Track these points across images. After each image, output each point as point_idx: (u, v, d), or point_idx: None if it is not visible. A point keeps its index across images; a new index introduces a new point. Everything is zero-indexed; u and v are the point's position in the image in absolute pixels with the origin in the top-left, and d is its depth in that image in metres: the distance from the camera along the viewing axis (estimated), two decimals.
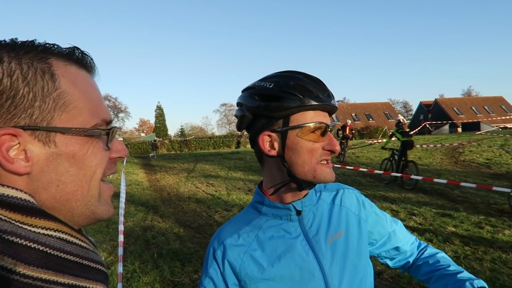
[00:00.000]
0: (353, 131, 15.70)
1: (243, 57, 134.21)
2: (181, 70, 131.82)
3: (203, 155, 20.44)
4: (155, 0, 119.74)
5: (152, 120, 71.68)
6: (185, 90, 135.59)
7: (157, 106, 64.68)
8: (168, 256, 5.10)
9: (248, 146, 30.88)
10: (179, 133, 68.56)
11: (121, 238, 3.83)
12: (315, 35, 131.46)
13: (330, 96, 0.94)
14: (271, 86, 0.93)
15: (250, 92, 0.97)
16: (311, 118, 0.92)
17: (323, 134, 0.93)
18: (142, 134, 69.20)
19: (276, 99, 0.92)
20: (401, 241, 1.16)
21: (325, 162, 0.94)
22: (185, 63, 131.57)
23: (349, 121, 16.37)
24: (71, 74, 0.57)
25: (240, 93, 1.01)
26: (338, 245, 1.00)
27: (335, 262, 0.98)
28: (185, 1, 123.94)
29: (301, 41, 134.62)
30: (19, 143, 0.51)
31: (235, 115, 1.03)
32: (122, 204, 5.33)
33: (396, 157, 9.82)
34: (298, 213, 0.99)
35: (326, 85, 0.96)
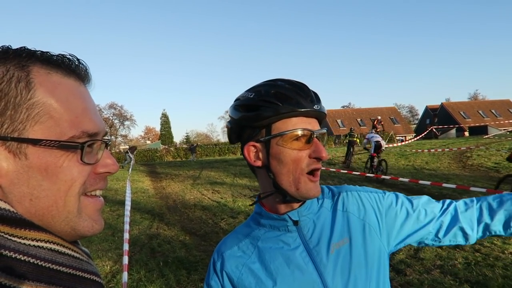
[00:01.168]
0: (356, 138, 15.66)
1: (248, 63, 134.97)
2: (186, 78, 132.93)
3: (209, 162, 20.43)
4: (161, 8, 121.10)
5: (158, 128, 72.20)
6: (190, 98, 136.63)
7: (163, 114, 65.20)
8: (174, 265, 5.06)
9: None
10: (185, 140, 68.78)
11: (126, 247, 3.80)
12: (321, 41, 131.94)
13: (313, 101, 0.90)
14: (251, 96, 0.93)
15: (235, 104, 0.97)
16: (293, 125, 0.89)
17: (308, 141, 0.89)
18: (148, 142, 69.53)
19: (255, 109, 0.91)
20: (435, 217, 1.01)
21: (312, 176, 0.90)
22: (190, 71, 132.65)
23: (352, 128, 16.54)
24: (51, 82, 0.54)
25: None
26: (341, 254, 0.94)
27: (338, 272, 0.92)
28: (190, 9, 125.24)
29: (307, 47, 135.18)
30: None
31: (226, 127, 1.02)
32: (127, 212, 5.31)
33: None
34: (295, 223, 0.95)
35: (311, 90, 0.93)
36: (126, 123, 61.96)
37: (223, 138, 75.55)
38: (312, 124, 0.91)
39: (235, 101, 0.99)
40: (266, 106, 0.89)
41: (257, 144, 0.93)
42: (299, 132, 0.88)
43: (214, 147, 35.62)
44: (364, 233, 0.98)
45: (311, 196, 0.90)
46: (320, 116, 0.93)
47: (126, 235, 3.99)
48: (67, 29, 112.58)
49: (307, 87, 0.93)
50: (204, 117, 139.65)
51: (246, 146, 0.95)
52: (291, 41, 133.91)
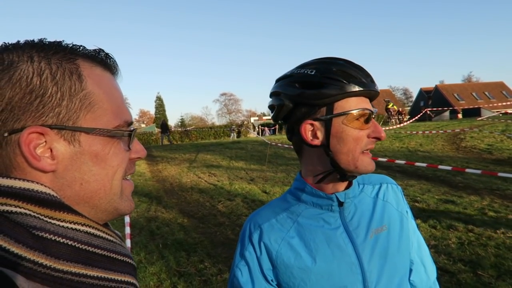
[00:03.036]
0: None
1: (242, 46, 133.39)
2: (180, 60, 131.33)
3: (204, 145, 20.42)
4: None
5: (152, 111, 71.81)
6: (184, 80, 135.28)
7: (157, 97, 64.77)
8: (173, 247, 5.13)
9: (249, 135, 30.87)
10: (179, 123, 68.44)
11: (127, 230, 3.85)
12: (313, 23, 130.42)
13: (373, 81, 0.91)
14: (312, 73, 0.90)
15: (289, 80, 0.94)
16: (356, 104, 0.89)
17: (367, 121, 0.90)
18: (143, 125, 69.11)
19: (318, 86, 0.88)
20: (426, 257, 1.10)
21: (367, 152, 0.92)
22: (184, 53, 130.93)
23: None
24: (96, 75, 0.59)
25: (276, 83, 0.99)
26: (379, 240, 0.96)
27: (375, 257, 0.94)
28: None
29: (300, 30, 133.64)
30: (45, 141, 0.52)
31: (271, 105, 0.99)
32: None
33: None
34: (340, 204, 0.95)
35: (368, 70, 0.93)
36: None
37: (218, 121, 75.31)
38: (369, 104, 0.92)
39: (285, 77, 0.96)
40: (332, 84, 0.87)
41: (315, 123, 0.91)
42: (361, 112, 0.89)
43: (209, 130, 35.51)
44: (401, 224, 1.02)
45: (369, 171, 0.92)
46: (375, 96, 0.94)
47: (127, 219, 4.03)
48: (54, 9, 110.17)
49: (364, 67, 0.94)
50: (199, 100, 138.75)
51: (303, 124, 0.92)
52: (283, 24, 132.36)
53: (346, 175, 0.93)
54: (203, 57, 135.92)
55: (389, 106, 15.36)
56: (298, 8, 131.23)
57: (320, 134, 0.91)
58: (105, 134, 0.57)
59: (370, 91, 0.90)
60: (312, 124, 0.92)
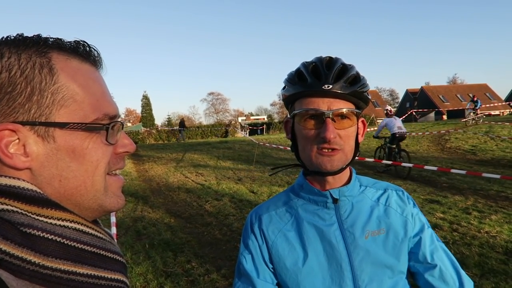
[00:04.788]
0: None
1: (231, 45, 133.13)
2: (168, 58, 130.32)
3: (191, 144, 20.33)
4: None
5: (139, 110, 71.01)
6: (171, 79, 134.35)
7: (144, 96, 63.90)
8: (160, 247, 5.07)
9: (237, 135, 30.78)
10: (166, 122, 67.94)
11: (114, 230, 3.79)
12: (301, 22, 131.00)
13: (325, 80, 0.89)
14: (286, 77, 0.99)
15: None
16: (306, 104, 0.91)
17: (318, 121, 0.90)
18: (129, 124, 68.30)
19: (283, 88, 1.00)
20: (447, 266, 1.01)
21: (324, 150, 0.90)
22: (172, 51, 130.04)
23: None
24: (71, 68, 0.56)
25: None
26: (375, 242, 0.96)
27: (368, 258, 0.94)
28: None
29: (287, 29, 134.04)
30: (18, 138, 0.51)
31: None
32: None
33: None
34: (335, 201, 0.97)
35: (335, 67, 0.90)
36: None
37: (206, 120, 75.05)
38: (328, 104, 0.89)
39: None
40: (287, 86, 0.97)
41: (290, 120, 1.01)
42: (307, 112, 0.90)
43: (196, 130, 35.30)
44: (405, 230, 0.99)
45: (325, 169, 0.91)
46: (336, 95, 0.89)
47: (113, 219, 3.97)
48: (43, 7, 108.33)
49: (331, 64, 0.92)
50: (186, 99, 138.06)
51: (284, 120, 1.04)
52: (270, 21, 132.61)
53: (308, 170, 0.98)
54: (190, 55, 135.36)
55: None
56: (286, 8, 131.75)
57: (289, 130, 1.01)
58: (81, 128, 0.55)
59: (315, 91, 0.89)
60: (288, 121, 1.02)
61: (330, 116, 0.88)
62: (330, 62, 0.93)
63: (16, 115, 0.51)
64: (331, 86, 0.88)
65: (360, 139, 1.01)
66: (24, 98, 0.51)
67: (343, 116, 0.91)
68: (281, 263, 0.96)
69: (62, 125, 0.53)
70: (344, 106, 0.90)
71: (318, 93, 0.89)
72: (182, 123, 29.00)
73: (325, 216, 0.98)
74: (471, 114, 18.66)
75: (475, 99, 18.55)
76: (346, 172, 1.01)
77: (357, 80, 0.92)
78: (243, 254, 1.02)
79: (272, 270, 0.99)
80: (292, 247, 0.97)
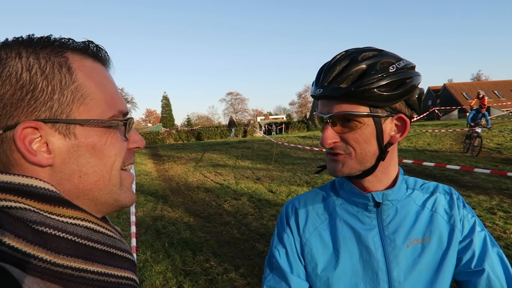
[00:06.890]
0: None
1: (249, 45, 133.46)
2: (187, 59, 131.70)
3: (210, 144, 20.45)
4: None
5: (159, 110, 71.97)
6: (191, 80, 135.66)
7: (163, 96, 64.61)
8: (179, 246, 5.13)
9: (256, 135, 30.77)
10: (186, 122, 68.59)
11: (133, 229, 3.85)
12: (322, 22, 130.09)
13: (317, 84, 0.87)
14: None
15: None
16: (317, 108, 0.91)
17: (323, 125, 0.88)
18: (149, 125, 69.39)
19: None
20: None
21: (330, 155, 0.90)
22: (191, 52, 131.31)
23: None
24: (86, 67, 0.58)
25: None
26: (418, 251, 0.88)
27: (408, 269, 0.87)
28: None
29: (308, 29, 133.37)
30: (40, 136, 0.53)
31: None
32: None
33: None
34: (377, 205, 0.90)
35: (329, 70, 0.85)
36: (127, 105, 61.61)
37: (224, 120, 75.40)
38: (328, 108, 0.86)
39: None
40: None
41: None
42: (314, 116, 0.90)
43: (215, 130, 35.50)
44: (451, 238, 0.90)
45: (332, 174, 0.90)
46: (335, 98, 0.83)
47: (133, 218, 4.03)
48: (62, 9, 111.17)
49: (328, 66, 0.86)
50: (205, 99, 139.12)
51: None
52: (289, 21, 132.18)
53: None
54: (209, 56, 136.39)
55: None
56: (306, 6, 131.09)
57: None
58: (100, 124, 0.57)
59: (313, 95, 0.89)
60: None
61: (328, 120, 0.86)
62: (336, 61, 0.86)
63: (38, 113, 0.52)
64: (321, 90, 0.85)
65: (396, 139, 0.88)
66: (45, 96, 0.53)
67: (346, 118, 0.84)
68: (313, 262, 0.92)
69: (83, 122, 0.55)
70: (347, 109, 0.83)
71: (316, 97, 0.89)
72: (232, 123, 30.44)
73: (365, 220, 0.92)
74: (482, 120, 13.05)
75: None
76: (390, 173, 0.92)
77: (364, 75, 0.81)
78: (276, 247, 0.97)
79: (304, 267, 0.94)
80: (326, 247, 0.92)
